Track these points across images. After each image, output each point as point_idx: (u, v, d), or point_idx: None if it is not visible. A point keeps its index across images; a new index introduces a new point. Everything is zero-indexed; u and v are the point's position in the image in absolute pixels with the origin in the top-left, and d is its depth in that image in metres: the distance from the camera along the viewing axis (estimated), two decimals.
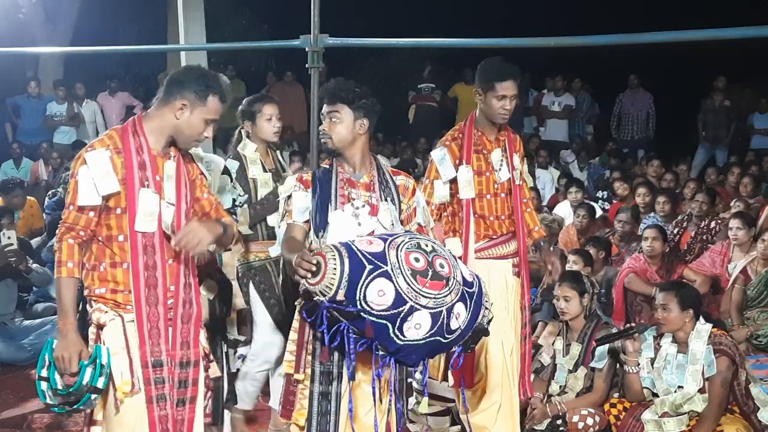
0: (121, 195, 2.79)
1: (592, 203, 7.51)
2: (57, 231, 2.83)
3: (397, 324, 2.70)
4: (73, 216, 2.78)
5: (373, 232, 3.01)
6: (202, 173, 3.08)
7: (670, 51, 10.82)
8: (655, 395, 3.95)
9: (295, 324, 3.09)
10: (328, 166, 3.16)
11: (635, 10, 13.06)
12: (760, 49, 6.73)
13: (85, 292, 2.91)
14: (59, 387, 2.75)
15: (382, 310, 2.68)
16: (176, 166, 2.91)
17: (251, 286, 3.97)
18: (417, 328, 2.72)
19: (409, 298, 2.69)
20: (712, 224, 6.40)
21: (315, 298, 2.74)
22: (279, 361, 3.91)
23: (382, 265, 2.69)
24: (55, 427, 4.30)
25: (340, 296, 2.68)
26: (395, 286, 2.68)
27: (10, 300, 5.51)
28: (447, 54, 12.77)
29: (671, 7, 12.62)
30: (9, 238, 5.23)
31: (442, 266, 2.78)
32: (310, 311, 2.83)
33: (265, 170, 4.00)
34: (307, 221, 3.09)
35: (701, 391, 3.81)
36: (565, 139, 11.17)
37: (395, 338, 2.73)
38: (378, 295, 2.67)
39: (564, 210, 7.62)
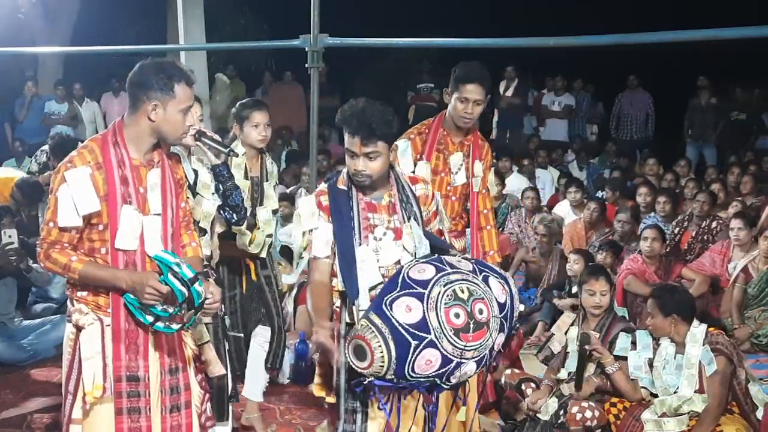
0: (102, 212, 2.71)
1: (600, 198, 7.52)
2: (38, 249, 2.75)
3: (444, 378, 2.70)
4: (55, 233, 2.72)
5: (399, 261, 2.94)
6: (186, 177, 3.01)
7: (669, 51, 10.82)
8: (654, 395, 3.95)
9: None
10: (344, 188, 2.98)
11: (634, 10, 13.06)
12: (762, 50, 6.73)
13: (67, 292, 2.88)
14: (166, 310, 2.71)
15: (430, 374, 2.67)
16: (161, 173, 2.83)
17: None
18: (463, 375, 2.73)
19: (455, 357, 2.65)
20: (713, 224, 6.41)
21: (366, 381, 2.72)
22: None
23: (425, 335, 2.61)
24: (55, 427, 4.29)
25: (389, 375, 2.66)
26: (441, 352, 2.63)
27: (10, 300, 5.50)
28: (447, 54, 12.76)
29: (671, 6, 12.62)
30: (10, 236, 5.21)
31: (481, 311, 2.70)
32: (358, 383, 2.78)
33: (246, 177, 3.92)
34: (329, 256, 2.95)
35: (699, 391, 3.81)
36: (565, 139, 11.18)
37: (443, 386, 2.74)
38: (425, 364, 2.64)
39: (563, 209, 7.62)
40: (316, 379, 3.07)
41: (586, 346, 4.07)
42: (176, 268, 2.67)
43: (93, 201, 2.69)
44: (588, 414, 3.97)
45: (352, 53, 13.04)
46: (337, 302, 3.00)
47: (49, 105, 10.51)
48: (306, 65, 5.17)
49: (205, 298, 2.75)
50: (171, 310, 2.71)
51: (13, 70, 11.34)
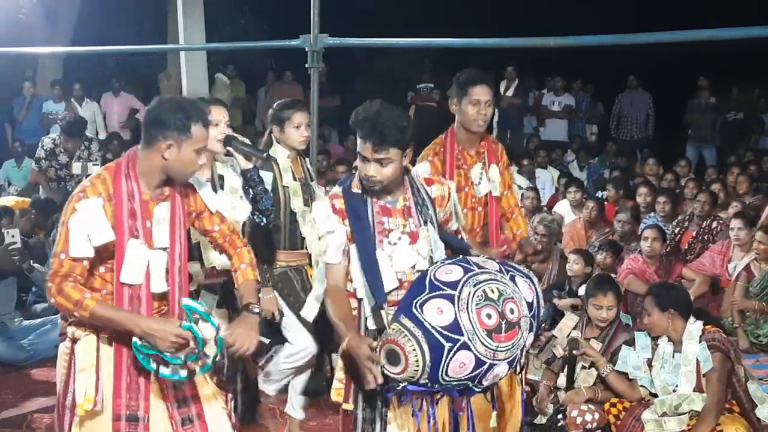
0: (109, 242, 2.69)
1: (600, 198, 7.53)
2: (49, 284, 2.68)
3: (476, 381, 2.68)
4: (68, 265, 2.66)
5: (414, 265, 2.90)
6: (206, 205, 2.93)
7: (669, 51, 10.82)
8: (654, 395, 3.95)
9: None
10: (359, 191, 2.93)
11: (634, 10, 13.07)
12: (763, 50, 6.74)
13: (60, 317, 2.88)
14: (177, 356, 2.67)
15: (463, 377, 2.65)
16: (170, 207, 2.79)
17: (275, 293, 3.87)
18: (495, 378, 2.72)
19: (488, 358, 2.63)
20: (714, 224, 6.41)
21: (399, 387, 2.69)
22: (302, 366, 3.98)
23: (458, 337, 2.58)
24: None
25: (423, 380, 2.64)
26: (474, 354, 2.60)
27: (10, 300, 5.50)
28: (447, 54, 12.78)
29: (671, 7, 12.62)
30: (13, 236, 5.22)
31: (512, 311, 2.67)
32: (390, 388, 2.76)
33: (294, 179, 3.86)
34: (341, 261, 2.91)
35: (698, 389, 3.81)
36: (565, 139, 11.19)
37: (475, 389, 2.73)
38: (459, 367, 2.61)
39: (563, 209, 7.62)
40: (336, 384, 3.02)
41: (575, 352, 4.07)
42: (206, 318, 2.69)
43: (106, 231, 2.67)
44: (588, 417, 3.97)
45: (352, 53, 13.06)
46: (355, 305, 2.95)
47: (47, 105, 10.48)
48: (306, 65, 5.17)
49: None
50: (182, 356, 2.67)
51: (13, 71, 11.36)
